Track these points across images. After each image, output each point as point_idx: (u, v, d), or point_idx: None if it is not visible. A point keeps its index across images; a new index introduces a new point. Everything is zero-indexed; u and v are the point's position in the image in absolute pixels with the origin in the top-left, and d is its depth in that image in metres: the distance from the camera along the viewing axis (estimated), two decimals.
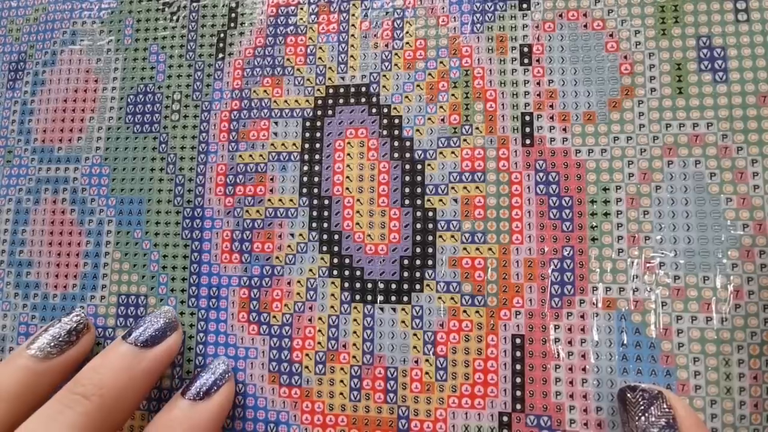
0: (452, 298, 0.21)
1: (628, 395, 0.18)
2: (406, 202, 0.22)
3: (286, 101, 0.24)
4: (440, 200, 0.22)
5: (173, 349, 0.22)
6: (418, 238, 0.22)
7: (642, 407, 0.18)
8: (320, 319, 0.22)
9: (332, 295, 0.22)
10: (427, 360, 0.21)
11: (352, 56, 0.24)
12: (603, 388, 0.20)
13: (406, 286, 0.22)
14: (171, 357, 0.22)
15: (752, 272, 0.19)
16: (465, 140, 0.22)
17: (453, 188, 0.22)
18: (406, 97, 0.23)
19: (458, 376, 0.21)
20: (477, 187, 0.22)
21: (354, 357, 0.22)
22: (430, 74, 0.23)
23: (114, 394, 0.19)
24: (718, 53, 0.21)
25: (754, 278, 0.19)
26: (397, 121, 0.23)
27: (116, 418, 0.19)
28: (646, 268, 0.20)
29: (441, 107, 0.23)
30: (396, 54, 0.23)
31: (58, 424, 0.18)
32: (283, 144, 0.24)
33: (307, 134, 0.24)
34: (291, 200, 0.23)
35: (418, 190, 0.22)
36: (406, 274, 0.22)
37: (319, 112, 0.24)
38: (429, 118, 0.23)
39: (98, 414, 0.19)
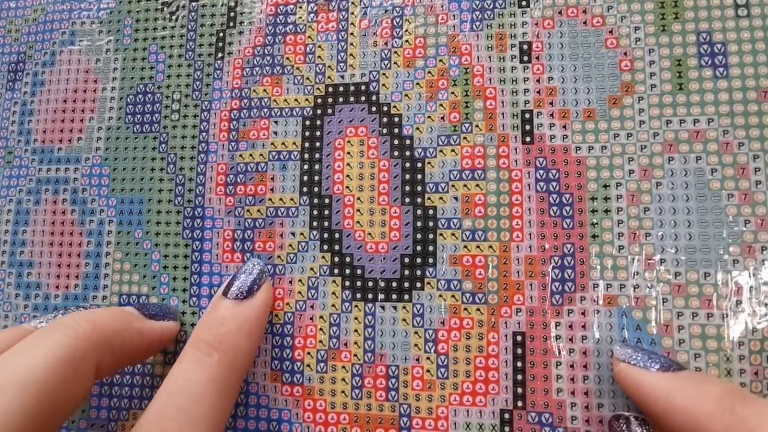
0: (453, 296, 0.21)
1: (613, 424, 0.19)
2: (407, 200, 0.22)
3: (285, 100, 0.24)
4: (440, 198, 0.22)
5: (269, 297, 0.22)
6: (419, 236, 0.22)
7: None
8: (321, 317, 0.22)
9: (333, 293, 0.22)
10: (428, 358, 0.21)
11: (351, 55, 0.24)
12: (604, 384, 0.20)
13: (406, 285, 0.22)
14: (269, 305, 0.22)
15: (753, 268, 0.19)
16: (465, 138, 0.22)
17: (453, 186, 0.22)
18: (406, 95, 0.23)
19: (459, 374, 0.21)
20: (477, 185, 0.22)
21: (355, 355, 0.22)
22: (429, 72, 0.23)
23: (232, 346, 0.19)
24: (718, 49, 0.21)
25: (755, 274, 0.19)
26: (396, 119, 0.23)
27: (240, 369, 0.20)
28: (647, 264, 0.20)
29: (441, 105, 0.23)
30: (395, 52, 0.23)
31: (200, 370, 0.18)
32: (283, 143, 0.24)
33: (307, 133, 0.24)
34: (291, 199, 0.23)
35: (419, 188, 0.22)
36: (406, 272, 0.22)
37: (319, 111, 0.24)
38: (429, 117, 0.23)
39: (225, 361, 0.19)
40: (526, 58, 0.22)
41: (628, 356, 0.18)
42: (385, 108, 0.23)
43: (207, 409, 0.18)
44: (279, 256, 0.23)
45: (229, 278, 0.22)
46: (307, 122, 0.24)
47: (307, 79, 0.24)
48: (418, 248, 0.22)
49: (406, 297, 0.22)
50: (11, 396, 0.15)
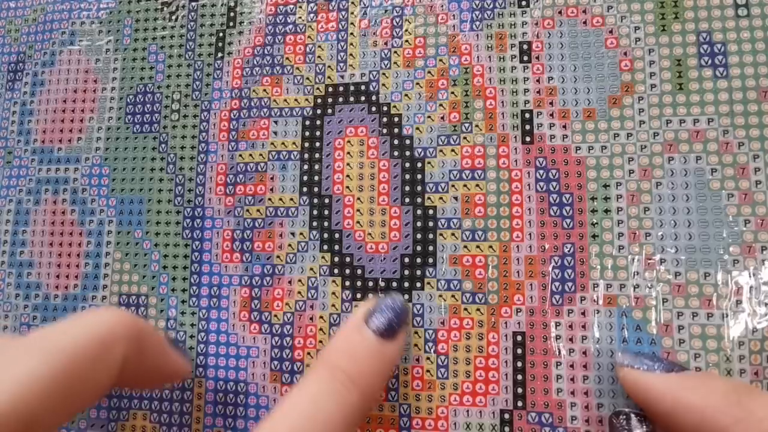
0: (453, 296, 0.21)
1: (614, 421, 0.19)
2: (407, 200, 0.22)
3: (285, 100, 0.24)
4: (440, 198, 0.22)
5: (404, 341, 0.20)
6: (419, 236, 0.22)
7: (626, 430, 0.18)
8: (321, 317, 0.22)
9: (333, 293, 0.22)
10: (428, 358, 0.21)
11: (351, 54, 0.24)
12: (604, 384, 0.20)
13: (406, 285, 0.22)
14: (401, 352, 0.20)
15: (753, 268, 0.19)
16: (465, 138, 0.22)
17: (453, 186, 0.22)
18: (406, 95, 0.23)
19: (459, 374, 0.21)
20: (477, 185, 0.22)
21: None
22: (429, 72, 0.23)
23: (370, 387, 0.18)
24: (718, 48, 0.21)
25: (755, 274, 0.19)
26: (396, 119, 0.23)
27: (368, 412, 0.19)
28: (647, 264, 0.20)
29: (441, 105, 0.23)
30: (395, 52, 0.23)
31: (335, 403, 0.17)
32: (283, 143, 0.24)
33: (307, 133, 0.24)
34: (291, 199, 0.23)
35: (418, 188, 0.22)
36: (406, 272, 0.22)
37: (319, 111, 0.24)
38: (429, 116, 0.23)
39: (361, 403, 0.18)
40: (526, 58, 0.22)
41: (632, 361, 0.18)
42: (385, 108, 0.23)
43: None
44: (279, 256, 0.23)
45: (373, 305, 0.20)
46: (307, 122, 0.24)
47: (307, 79, 0.24)
48: (418, 248, 0.22)
49: (406, 297, 0.22)
50: (40, 360, 0.15)
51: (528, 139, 0.22)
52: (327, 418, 0.16)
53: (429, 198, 0.22)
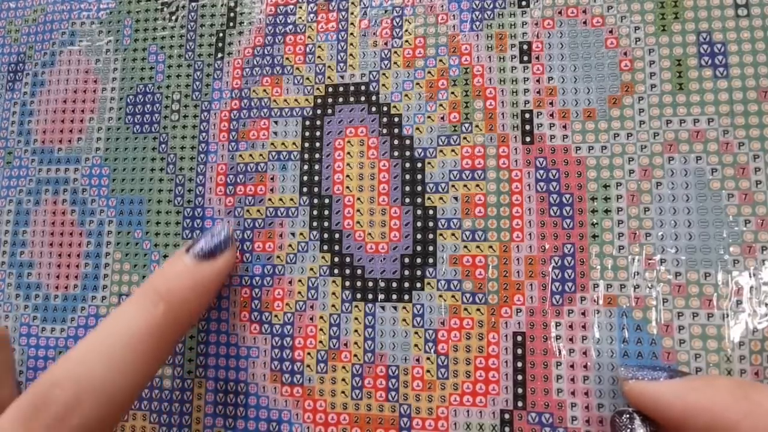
0: (453, 296, 0.21)
1: (616, 420, 0.19)
2: (407, 200, 0.22)
3: (285, 100, 0.24)
4: (440, 198, 0.22)
5: (229, 263, 0.22)
6: (419, 236, 0.22)
7: (629, 429, 0.18)
8: (321, 318, 0.22)
9: (333, 294, 0.22)
10: (428, 358, 0.21)
11: (351, 55, 0.24)
12: (604, 385, 0.20)
13: (406, 285, 0.22)
14: (228, 271, 0.22)
15: (754, 268, 0.19)
16: (465, 138, 0.22)
17: (453, 186, 0.22)
18: (406, 95, 0.23)
19: (459, 374, 0.21)
20: (477, 185, 0.22)
21: (355, 355, 0.22)
22: (429, 72, 0.23)
23: (180, 300, 0.20)
24: (718, 48, 0.21)
25: (755, 274, 0.19)
26: (396, 119, 0.23)
27: (181, 325, 0.20)
28: (647, 264, 0.20)
29: (441, 105, 0.23)
30: (395, 52, 0.23)
31: (141, 317, 0.19)
32: (283, 143, 0.24)
33: (307, 133, 0.24)
34: (291, 199, 0.23)
35: (419, 188, 0.22)
36: (406, 272, 0.22)
37: (319, 111, 0.24)
38: (429, 117, 0.23)
39: (169, 315, 0.19)
40: (526, 58, 0.22)
41: (635, 373, 0.19)
42: (385, 108, 0.23)
43: (137, 356, 0.19)
44: (279, 256, 0.23)
45: (198, 236, 0.22)
46: (307, 122, 0.24)
47: (307, 79, 0.24)
48: (418, 248, 0.22)
49: (406, 297, 0.22)
50: None
51: (528, 139, 0.22)
52: (128, 329, 0.19)
53: (429, 198, 0.22)
